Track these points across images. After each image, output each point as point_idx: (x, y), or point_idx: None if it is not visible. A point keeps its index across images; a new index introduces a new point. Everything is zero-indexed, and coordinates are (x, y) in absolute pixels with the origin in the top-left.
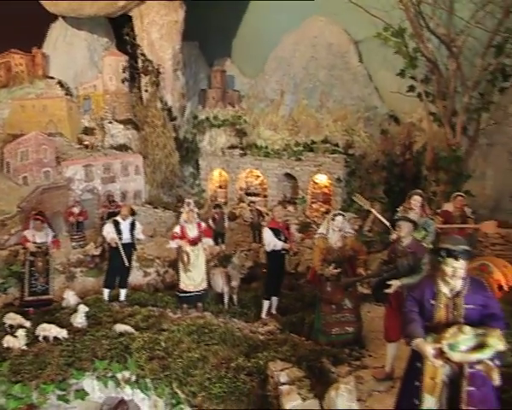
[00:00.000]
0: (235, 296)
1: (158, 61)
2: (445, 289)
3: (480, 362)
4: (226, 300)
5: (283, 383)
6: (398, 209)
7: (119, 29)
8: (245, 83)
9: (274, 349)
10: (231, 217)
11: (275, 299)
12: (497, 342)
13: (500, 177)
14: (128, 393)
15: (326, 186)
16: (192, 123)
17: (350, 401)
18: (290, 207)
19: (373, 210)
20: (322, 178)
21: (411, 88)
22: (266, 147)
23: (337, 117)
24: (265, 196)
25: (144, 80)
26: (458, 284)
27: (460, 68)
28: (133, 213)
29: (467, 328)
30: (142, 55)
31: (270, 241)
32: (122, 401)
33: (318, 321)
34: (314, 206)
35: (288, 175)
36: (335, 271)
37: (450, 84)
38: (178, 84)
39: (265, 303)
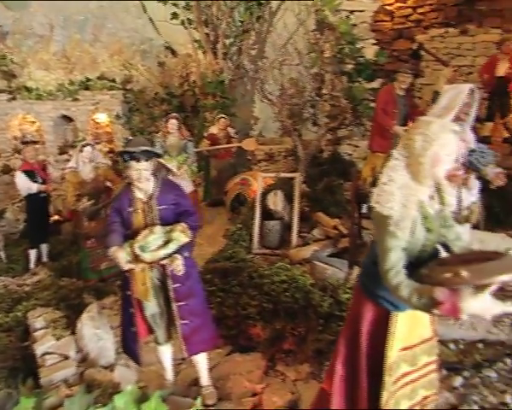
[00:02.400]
0: (1, 253)
1: None
2: (139, 195)
3: (169, 257)
4: None
5: (39, 329)
6: (157, 134)
7: None
8: (8, 17)
9: (35, 298)
10: (5, 170)
11: (44, 246)
12: (180, 235)
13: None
14: None
15: (108, 125)
16: None
17: (95, 328)
18: (72, 151)
19: None
20: (102, 117)
21: (174, 15)
22: (38, 88)
23: (113, 51)
24: (44, 143)
25: None
26: (149, 186)
27: None
28: None
29: (157, 228)
30: None
31: (24, 185)
32: None
33: (85, 259)
34: (98, 147)
35: (68, 117)
36: (88, 203)
37: (209, 10)
38: None
39: (32, 253)
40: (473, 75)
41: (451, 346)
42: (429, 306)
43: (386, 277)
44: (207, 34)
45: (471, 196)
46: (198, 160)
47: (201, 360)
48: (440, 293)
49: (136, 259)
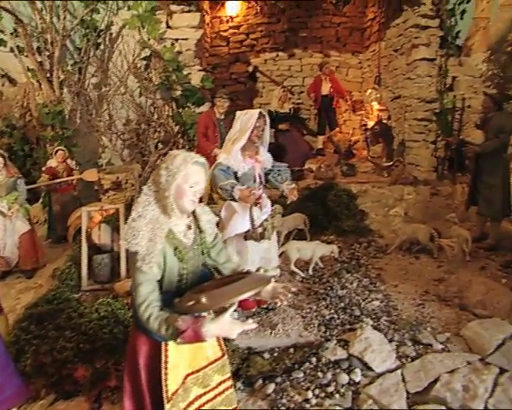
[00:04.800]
0: None
1: None
2: None
3: None
4: None
5: None
6: None
7: None
8: None
9: None
10: None
11: None
12: None
13: None
14: None
15: None
16: None
17: None
18: None
19: None
20: None
21: (1, 42)
22: None
23: None
24: None
25: None
26: None
27: (52, 22)
28: None
29: None
30: None
31: None
32: None
33: None
34: None
35: None
36: None
37: (42, 37)
38: None
39: None
40: (304, 94)
41: (266, 355)
42: (175, 335)
43: (138, 311)
44: (41, 62)
45: (263, 214)
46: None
47: None
48: (182, 322)
49: None
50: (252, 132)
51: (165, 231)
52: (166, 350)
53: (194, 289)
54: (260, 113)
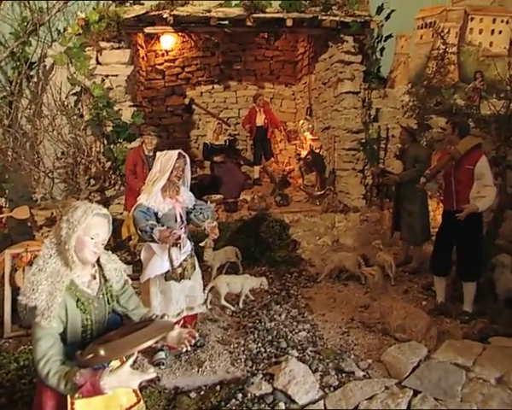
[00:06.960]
0: None
1: None
2: None
3: None
4: None
5: None
6: None
7: None
8: None
9: None
10: None
11: None
12: None
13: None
14: None
15: None
16: None
17: None
18: None
19: None
20: None
21: None
22: None
23: None
24: None
25: None
26: None
27: None
28: None
29: None
30: None
31: None
32: None
33: None
34: None
35: None
36: None
37: None
38: None
39: None
40: (239, 125)
41: (193, 395)
42: (73, 390)
43: (37, 366)
44: None
45: (182, 254)
46: None
47: None
48: (80, 376)
49: None
50: (171, 173)
51: (65, 284)
52: (72, 403)
53: (98, 339)
54: (180, 153)
